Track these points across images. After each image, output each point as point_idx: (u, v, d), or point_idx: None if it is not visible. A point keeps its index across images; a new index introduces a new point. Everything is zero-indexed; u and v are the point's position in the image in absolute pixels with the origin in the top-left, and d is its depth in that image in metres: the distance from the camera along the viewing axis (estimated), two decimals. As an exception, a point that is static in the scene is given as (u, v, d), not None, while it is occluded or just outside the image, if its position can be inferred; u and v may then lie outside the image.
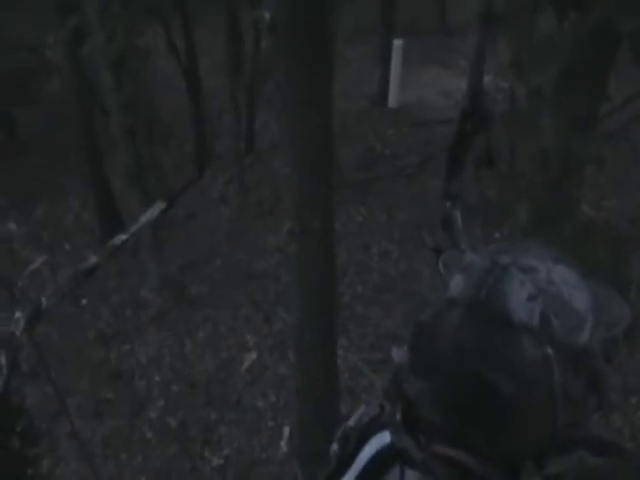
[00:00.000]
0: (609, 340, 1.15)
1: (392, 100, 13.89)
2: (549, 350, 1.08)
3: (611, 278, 5.49)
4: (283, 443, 7.81)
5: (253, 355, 8.82)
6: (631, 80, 8.38)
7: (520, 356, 1.08)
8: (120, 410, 8.56)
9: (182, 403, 8.50)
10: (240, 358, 8.85)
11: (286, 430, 7.85)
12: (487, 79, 14.14)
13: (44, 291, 8.53)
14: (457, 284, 1.17)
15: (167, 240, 10.24)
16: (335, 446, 1.46)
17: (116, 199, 11.16)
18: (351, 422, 1.46)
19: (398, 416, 1.26)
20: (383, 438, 1.35)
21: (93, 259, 5.72)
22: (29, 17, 13.57)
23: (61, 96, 11.96)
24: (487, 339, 1.10)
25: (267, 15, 4.64)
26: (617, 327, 1.18)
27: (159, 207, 5.79)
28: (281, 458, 7.71)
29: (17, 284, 9.45)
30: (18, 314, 5.20)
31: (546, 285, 1.12)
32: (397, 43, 13.51)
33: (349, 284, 9.44)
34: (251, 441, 7.96)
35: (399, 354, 1.25)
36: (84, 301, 10.11)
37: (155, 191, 8.92)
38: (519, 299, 1.10)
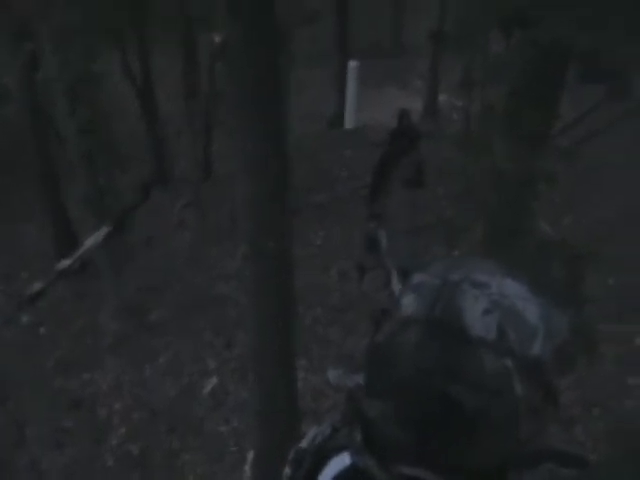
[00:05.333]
0: (556, 350, 1.15)
1: (349, 121, 13.98)
2: (508, 362, 1.09)
3: (568, 295, 5.56)
4: (247, 468, 7.75)
5: (214, 380, 8.77)
6: (587, 98, 8.52)
7: (481, 370, 1.08)
8: (81, 438, 8.45)
9: (144, 430, 8.41)
10: (201, 383, 8.79)
11: (249, 455, 7.79)
12: (442, 98, 14.31)
13: None
14: (410, 303, 1.17)
15: (126, 265, 10.17)
16: (287, 470, 1.44)
17: (73, 225, 11.07)
18: (304, 444, 1.44)
19: (358, 437, 1.24)
20: (343, 459, 1.33)
21: (38, 285, 5.68)
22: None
23: (17, 122, 11.86)
24: (446, 356, 1.10)
25: (217, 39, 4.63)
26: (558, 337, 1.17)
27: (104, 231, 5.76)
28: (245, 482, 7.66)
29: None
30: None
31: (499, 299, 1.12)
32: (352, 65, 13.63)
33: (310, 306, 9.43)
34: (214, 467, 7.89)
35: (334, 375, 1.25)
36: (42, 329, 10.00)
37: (110, 215, 8.88)
38: (475, 314, 1.10)
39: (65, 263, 5.79)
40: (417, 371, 1.12)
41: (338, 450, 1.36)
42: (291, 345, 5.93)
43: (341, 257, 10.40)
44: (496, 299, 1.12)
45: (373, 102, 14.27)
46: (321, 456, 1.40)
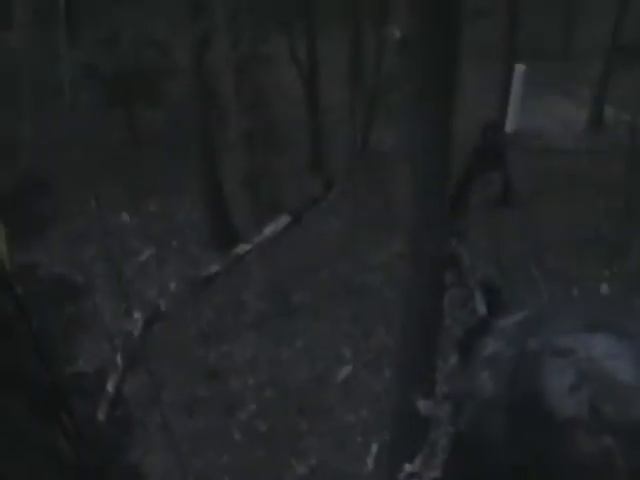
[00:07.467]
0: None
1: (510, 125, 13.68)
2: (607, 439, 0.95)
3: None
4: (370, 460, 7.76)
5: (349, 368, 8.80)
6: None
7: (576, 453, 0.95)
8: (212, 408, 8.66)
9: (274, 409, 8.54)
10: (335, 370, 8.84)
11: (374, 447, 7.80)
12: (608, 111, 13.81)
13: (150, 285, 8.72)
14: (486, 382, 1.05)
15: (274, 246, 10.31)
16: None
17: (226, 201, 11.32)
18: None
19: None
20: None
21: (214, 267, 5.82)
22: (158, 15, 13.90)
23: (183, 97, 12.20)
24: (536, 442, 0.98)
25: (398, 33, 4.63)
26: None
27: (284, 221, 5.84)
28: (367, 474, 7.66)
29: (125, 275, 9.71)
30: (137, 315, 5.30)
31: (587, 365, 0.99)
32: (519, 68, 13.31)
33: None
34: (338, 454, 7.93)
35: (426, 407, 1.15)
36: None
37: (266, 197, 9.03)
38: (561, 392, 0.98)
39: (244, 248, 5.88)
40: (507, 461, 1.01)
41: None
42: (434, 346, 5.88)
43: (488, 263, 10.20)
44: (584, 367, 0.99)
45: (535, 108, 13.91)
46: None
